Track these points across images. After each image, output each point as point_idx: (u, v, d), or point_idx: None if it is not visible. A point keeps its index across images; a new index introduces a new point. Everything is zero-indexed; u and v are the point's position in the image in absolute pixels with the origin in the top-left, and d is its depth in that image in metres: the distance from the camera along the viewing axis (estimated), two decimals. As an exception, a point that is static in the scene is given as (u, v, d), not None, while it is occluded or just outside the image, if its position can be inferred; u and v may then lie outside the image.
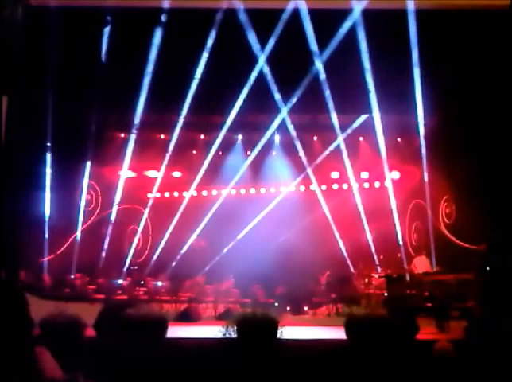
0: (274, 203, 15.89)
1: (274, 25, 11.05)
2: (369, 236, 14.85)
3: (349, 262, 14.87)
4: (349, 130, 14.21)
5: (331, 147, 14.78)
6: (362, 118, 13.94)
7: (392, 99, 11.78)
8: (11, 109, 7.68)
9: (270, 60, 11.80)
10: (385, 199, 14.55)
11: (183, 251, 15.42)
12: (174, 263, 15.12)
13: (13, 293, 3.67)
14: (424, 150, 13.19)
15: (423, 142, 13.10)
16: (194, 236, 15.56)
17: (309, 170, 15.36)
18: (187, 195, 16.06)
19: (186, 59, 11.52)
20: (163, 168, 15.19)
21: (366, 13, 10.66)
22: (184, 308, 11.80)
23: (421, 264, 12.20)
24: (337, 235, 15.30)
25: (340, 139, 14.27)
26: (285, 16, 10.86)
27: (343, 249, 15.24)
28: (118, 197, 14.99)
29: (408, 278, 12.01)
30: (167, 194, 16.95)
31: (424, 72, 11.55)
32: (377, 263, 13.94)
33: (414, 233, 14.79)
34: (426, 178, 13.39)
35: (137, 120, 13.20)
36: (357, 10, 10.78)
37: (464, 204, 12.48)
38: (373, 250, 14.61)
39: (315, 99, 12.31)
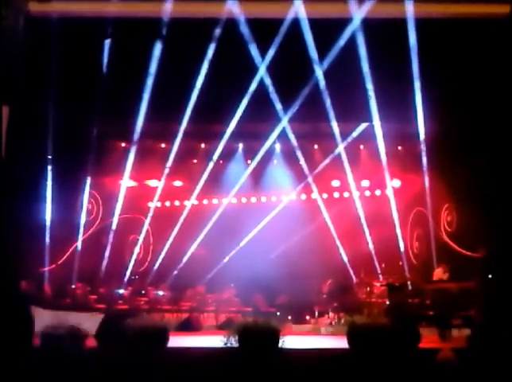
0: (275, 212, 15.87)
1: (274, 34, 11.10)
2: (370, 245, 14.81)
3: (351, 270, 14.82)
4: (349, 139, 14.21)
5: (332, 155, 14.78)
6: (363, 126, 13.94)
7: (392, 107, 11.81)
8: (12, 119, 7.69)
9: (271, 69, 11.84)
10: (387, 207, 14.53)
11: (184, 260, 15.39)
12: (175, 273, 15.09)
13: (20, 306, 3.67)
14: (424, 158, 13.20)
15: (423, 150, 13.12)
16: (195, 245, 15.53)
17: (310, 179, 15.36)
18: (188, 204, 16.05)
19: (187, 68, 11.56)
20: (164, 177, 15.19)
21: (366, 22, 10.69)
22: (185, 317, 11.79)
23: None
24: (338, 243, 15.26)
25: (341, 147, 14.28)
26: (285, 25, 10.90)
27: (345, 258, 15.19)
28: (118, 207, 14.99)
29: (410, 286, 11.97)
30: (168, 203, 16.93)
31: (424, 80, 11.58)
32: (378, 271, 13.90)
33: (416, 241, 14.76)
34: (427, 186, 13.38)
35: (137, 129, 13.21)
36: (357, 19, 10.81)
37: (466, 211, 12.47)
38: (374, 258, 14.57)
39: (315, 108, 12.33)
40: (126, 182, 14.93)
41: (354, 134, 14.16)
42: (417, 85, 11.69)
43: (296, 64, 11.56)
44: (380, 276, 13.34)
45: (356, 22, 10.91)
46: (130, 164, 14.37)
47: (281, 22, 10.91)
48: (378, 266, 14.24)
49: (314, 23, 10.91)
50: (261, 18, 10.43)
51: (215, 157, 14.93)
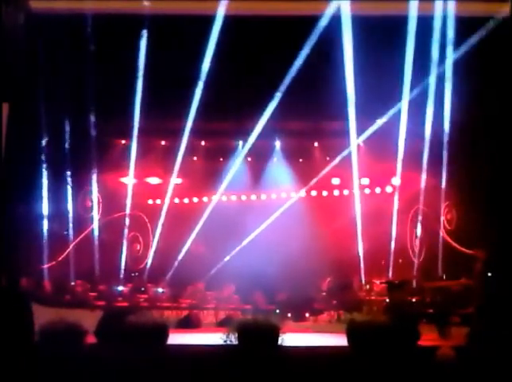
0: (275, 209, 15.85)
1: (274, 31, 11.07)
2: (370, 243, 14.78)
3: (350, 268, 14.80)
4: (350, 136, 14.16)
5: (332, 153, 14.77)
6: (363, 124, 13.90)
7: (393, 105, 11.82)
8: (12, 116, 7.69)
9: (271, 66, 11.81)
10: (387, 205, 14.52)
11: (183, 257, 15.36)
12: (175, 270, 15.07)
13: (18, 301, 3.67)
14: (425, 157, 13.20)
15: (425, 149, 13.12)
16: (194, 243, 15.51)
17: (310, 176, 15.34)
18: (187, 201, 16.03)
19: (187, 65, 11.55)
20: (164, 174, 15.18)
21: (368, 19, 10.65)
22: (184, 315, 11.80)
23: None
24: (338, 241, 15.22)
25: (341, 145, 14.26)
26: (285, 22, 10.87)
27: (345, 255, 15.16)
28: (118, 204, 15.00)
29: (409, 284, 11.98)
30: (168, 200, 16.91)
31: (426, 79, 11.58)
32: (378, 269, 13.89)
33: (416, 239, 14.73)
34: (427, 184, 13.37)
35: (138, 127, 13.21)
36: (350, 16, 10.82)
37: (466, 209, 12.47)
38: (374, 256, 14.54)
39: (316, 105, 12.32)
40: (126, 179, 14.93)
41: (355, 131, 14.12)
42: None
43: (297, 60, 11.56)
44: (380, 274, 13.34)
45: (344, 18, 10.93)
46: (130, 161, 14.38)
47: (282, 19, 10.88)
48: (377, 264, 14.22)
49: (316, 19, 10.90)
50: (262, 15, 10.41)
51: (215, 154, 14.93)
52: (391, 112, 12.42)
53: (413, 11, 10.42)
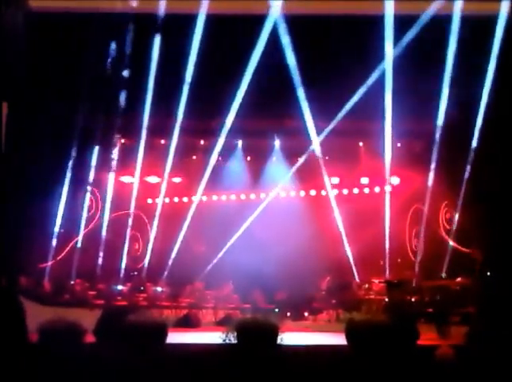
0: (274, 208, 15.85)
1: (273, 31, 11.08)
2: (369, 242, 14.78)
3: (349, 267, 14.82)
4: (349, 136, 14.17)
5: (331, 152, 14.77)
6: (363, 123, 13.90)
7: (393, 104, 11.82)
8: (11, 116, 7.68)
9: (270, 65, 11.81)
10: (386, 204, 14.53)
11: (183, 256, 15.36)
12: (174, 269, 15.08)
13: (9, 300, 3.66)
14: (424, 156, 13.22)
15: (424, 148, 13.13)
16: (194, 242, 15.52)
17: (309, 176, 15.34)
18: (187, 200, 16.03)
19: (187, 64, 11.56)
20: (163, 173, 15.18)
21: (372, 19, 10.65)
22: (184, 314, 11.81)
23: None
24: (337, 240, 15.25)
25: (340, 145, 14.26)
26: (284, 21, 10.88)
27: (344, 254, 15.18)
28: (118, 203, 14.99)
29: (408, 283, 12.00)
30: (167, 200, 16.92)
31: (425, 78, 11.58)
32: (377, 268, 13.90)
33: (415, 238, 14.76)
34: (426, 183, 13.38)
35: (137, 126, 13.21)
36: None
37: (465, 208, 12.48)
38: (373, 256, 14.56)
39: (315, 105, 12.33)
40: (125, 178, 14.93)
41: (354, 131, 14.12)
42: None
43: (297, 59, 11.56)
44: (385, 274, 13.36)
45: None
46: (130, 160, 14.38)
47: (281, 18, 10.90)
48: (376, 263, 14.23)
49: (317, 19, 10.87)
50: (259, 14, 10.43)
51: (215, 153, 14.91)
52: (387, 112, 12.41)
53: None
